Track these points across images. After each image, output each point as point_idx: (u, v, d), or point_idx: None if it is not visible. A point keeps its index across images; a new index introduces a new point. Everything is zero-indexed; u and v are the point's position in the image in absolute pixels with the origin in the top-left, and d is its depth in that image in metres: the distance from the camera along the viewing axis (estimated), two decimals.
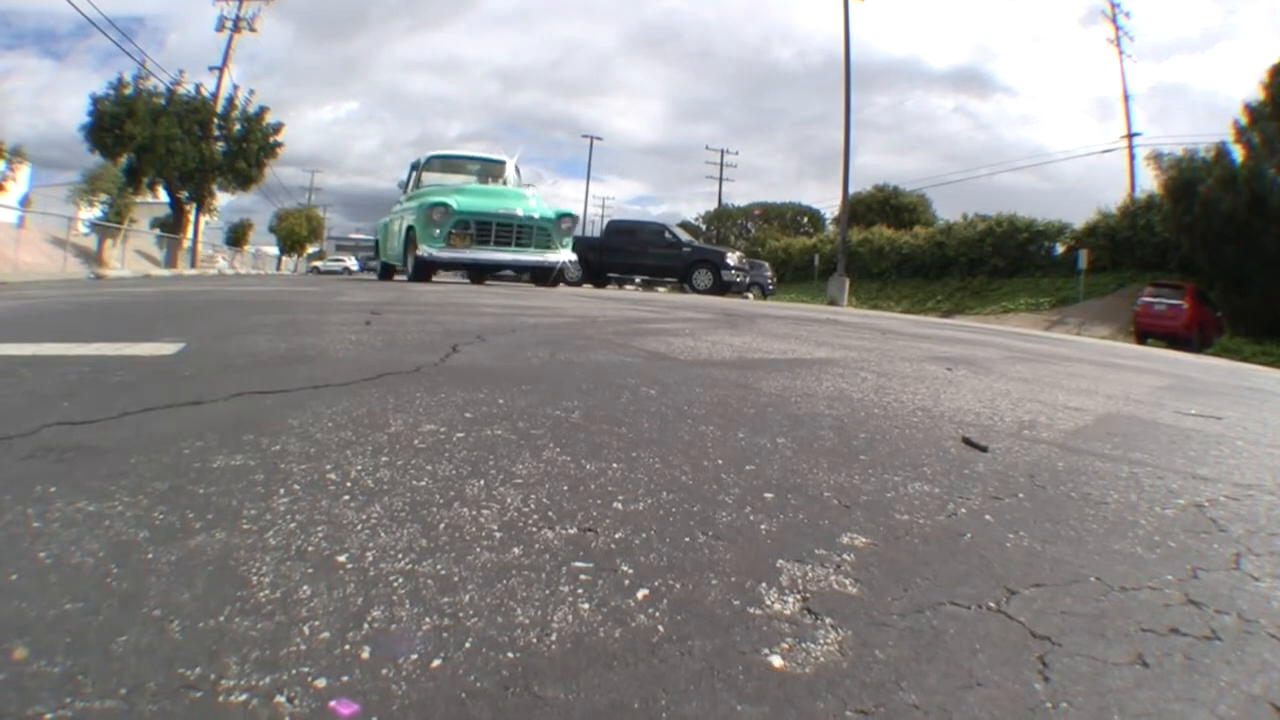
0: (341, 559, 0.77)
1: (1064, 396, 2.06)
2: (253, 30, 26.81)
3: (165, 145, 21.82)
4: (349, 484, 0.97)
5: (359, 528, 0.84)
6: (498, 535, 0.84)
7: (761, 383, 1.84)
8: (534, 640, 0.64)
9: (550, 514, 0.91)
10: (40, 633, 0.61)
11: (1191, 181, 17.43)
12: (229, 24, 26.33)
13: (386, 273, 11.67)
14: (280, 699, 0.55)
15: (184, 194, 24.26)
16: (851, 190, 24.97)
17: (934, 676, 0.63)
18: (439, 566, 0.76)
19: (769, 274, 23.63)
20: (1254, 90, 16.28)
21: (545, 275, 9.26)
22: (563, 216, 9.10)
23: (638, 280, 13.83)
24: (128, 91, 22.19)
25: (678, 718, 0.56)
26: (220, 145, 24.36)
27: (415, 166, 10.60)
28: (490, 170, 10.65)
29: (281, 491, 0.93)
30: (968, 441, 1.36)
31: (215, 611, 0.66)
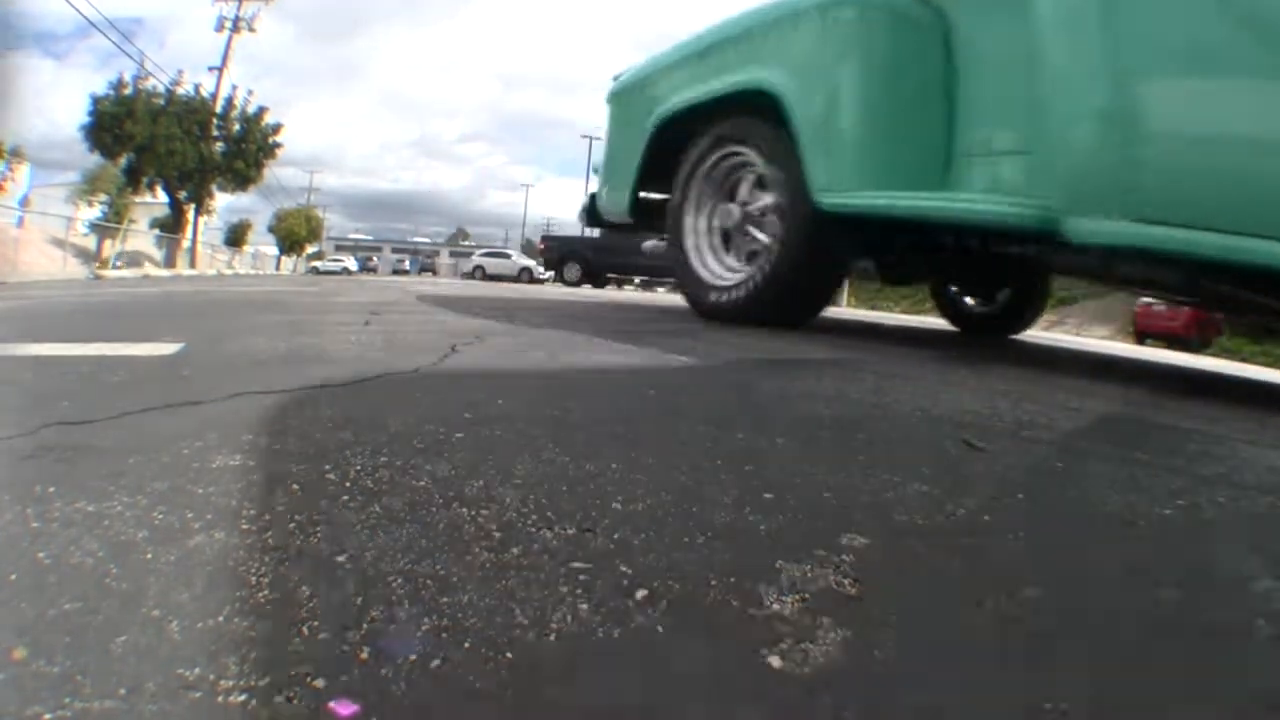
0: (341, 559, 0.77)
1: (1063, 396, 2.06)
2: (252, 30, 26.88)
3: (165, 145, 21.86)
4: (348, 484, 0.97)
5: (358, 528, 0.84)
6: (496, 535, 0.84)
7: (761, 382, 1.84)
8: (533, 640, 0.64)
9: (549, 514, 0.91)
10: (40, 633, 0.62)
11: None
12: (228, 24, 26.38)
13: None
14: (280, 699, 0.55)
15: (183, 194, 24.30)
16: None
17: (934, 676, 0.63)
18: (438, 566, 0.76)
19: None
20: None
21: None
22: None
23: (637, 280, 13.75)
24: (127, 91, 22.23)
25: (677, 717, 0.56)
26: (219, 145, 24.39)
27: None
28: None
29: (281, 491, 0.93)
30: (967, 442, 1.37)
31: (215, 611, 0.66)
